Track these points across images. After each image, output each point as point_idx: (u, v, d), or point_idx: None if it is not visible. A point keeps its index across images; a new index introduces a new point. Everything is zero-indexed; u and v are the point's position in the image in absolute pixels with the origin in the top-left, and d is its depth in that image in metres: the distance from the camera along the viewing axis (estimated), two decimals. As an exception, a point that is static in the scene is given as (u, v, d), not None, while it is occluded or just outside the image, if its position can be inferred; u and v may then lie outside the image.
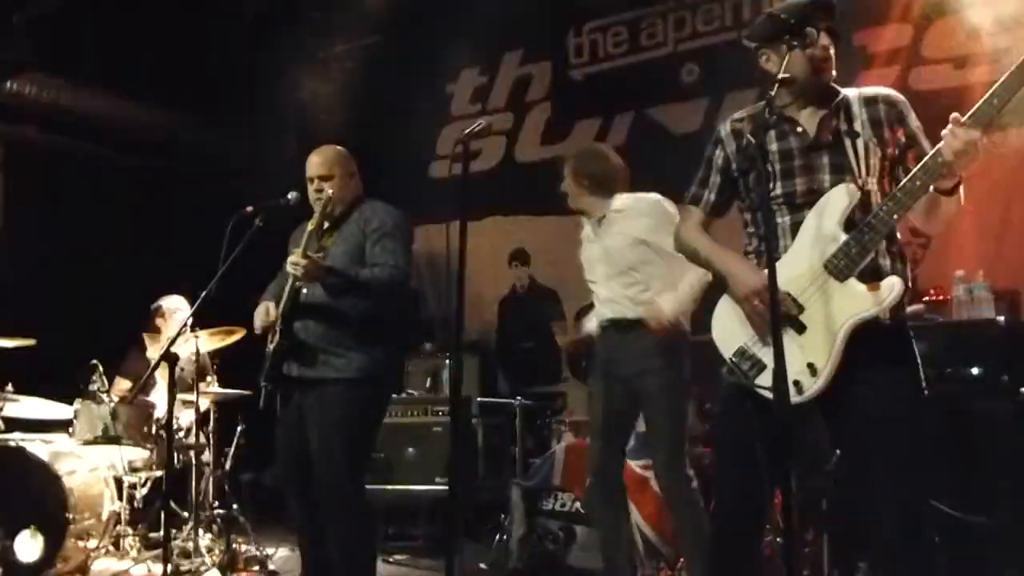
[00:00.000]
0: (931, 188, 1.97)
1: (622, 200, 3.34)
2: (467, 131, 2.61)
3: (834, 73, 2.17)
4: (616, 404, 3.29)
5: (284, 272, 3.12)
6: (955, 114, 1.91)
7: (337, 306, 3.05)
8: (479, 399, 5.31)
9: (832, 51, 2.15)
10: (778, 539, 3.38)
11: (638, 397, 3.24)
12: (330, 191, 3.11)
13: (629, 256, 3.24)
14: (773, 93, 2.06)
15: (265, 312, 3.11)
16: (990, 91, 1.90)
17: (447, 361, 5.30)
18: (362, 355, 3.04)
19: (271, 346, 3.07)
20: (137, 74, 5.74)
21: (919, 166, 1.97)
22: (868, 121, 2.13)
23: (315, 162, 3.19)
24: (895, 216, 1.98)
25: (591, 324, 3.49)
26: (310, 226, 3.05)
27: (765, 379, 2.03)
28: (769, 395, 1.94)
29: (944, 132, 1.91)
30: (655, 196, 3.33)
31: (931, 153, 1.96)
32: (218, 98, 6.10)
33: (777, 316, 1.90)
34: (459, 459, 2.66)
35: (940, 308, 3.83)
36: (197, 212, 5.42)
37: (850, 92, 2.19)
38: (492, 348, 5.89)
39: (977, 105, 1.90)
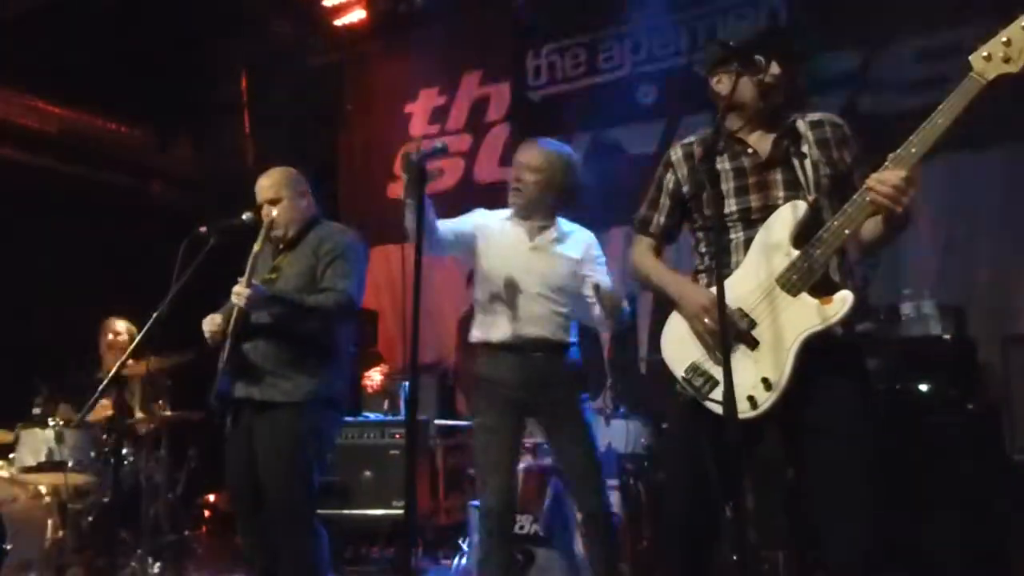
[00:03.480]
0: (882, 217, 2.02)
1: (565, 222, 3.19)
2: (423, 152, 2.61)
3: (782, 100, 2.23)
4: (518, 434, 3.09)
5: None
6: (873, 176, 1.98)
7: (286, 328, 3.03)
8: (437, 421, 5.27)
9: (781, 79, 2.20)
10: (733, 556, 3.39)
11: (551, 425, 3.06)
12: (275, 212, 3.10)
13: (569, 281, 3.07)
14: (721, 117, 2.11)
15: (211, 321, 3.07)
16: (909, 139, 1.97)
17: (404, 382, 5.25)
18: (311, 378, 3.02)
19: (220, 365, 3.01)
20: (92, 87, 5.64)
21: (857, 195, 2.02)
22: (815, 142, 2.19)
23: (263, 186, 3.19)
24: (846, 231, 2.02)
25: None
26: (255, 247, 3.03)
27: (719, 394, 2.03)
28: (721, 410, 1.95)
29: (872, 176, 1.98)
30: (591, 234, 3.24)
31: (860, 190, 2.00)
32: (175, 115, 6.03)
33: (726, 334, 1.92)
34: (416, 482, 2.58)
35: (889, 326, 3.91)
36: (148, 230, 5.33)
37: (797, 117, 2.25)
38: (451, 369, 5.86)
39: (898, 151, 1.97)
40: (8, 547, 3.61)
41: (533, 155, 3.09)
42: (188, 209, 6.42)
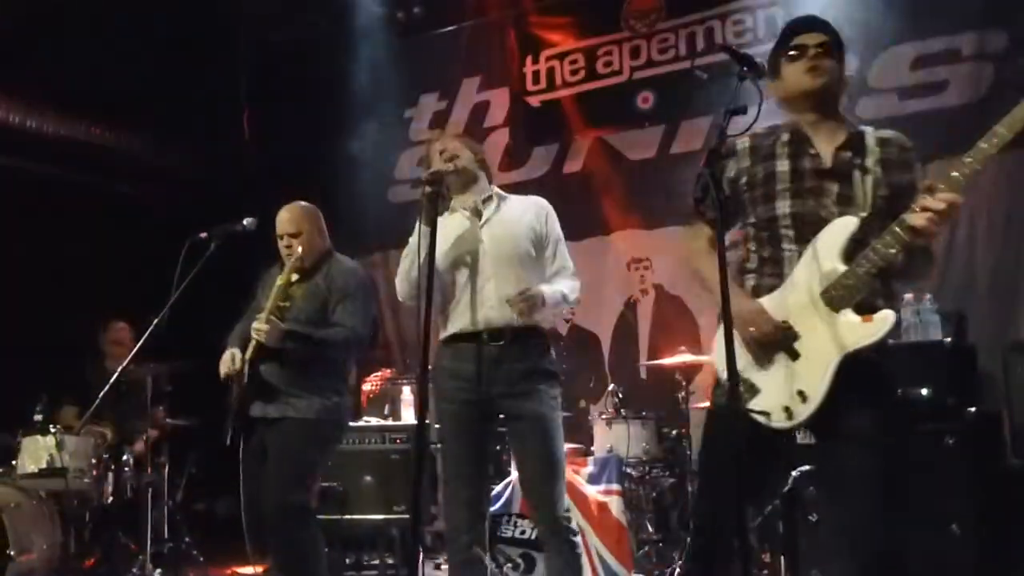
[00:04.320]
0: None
1: (502, 191, 2.93)
2: (434, 171, 2.63)
3: (819, 84, 2.17)
4: (484, 438, 2.77)
5: (251, 312, 3.31)
6: (928, 182, 2.01)
7: (298, 354, 3.21)
8: (437, 425, 5.26)
9: (813, 66, 2.17)
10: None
11: (515, 424, 2.72)
12: (300, 249, 3.24)
13: (524, 245, 2.76)
14: (725, 124, 2.08)
15: (231, 359, 3.22)
16: (964, 159, 1.95)
17: (404, 388, 5.25)
18: (321, 398, 3.22)
19: (237, 389, 3.19)
20: (90, 93, 5.64)
21: (906, 214, 2.01)
22: (880, 160, 2.17)
23: (284, 219, 3.31)
24: (891, 251, 2.03)
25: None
26: (279, 281, 3.18)
27: (758, 403, 2.10)
28: (761, 419, 2.07)
29: (920, 199, 1.98)
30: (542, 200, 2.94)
31: (908, 211, 2.00)
32: (174, 120, 6.03)
33: (729, 327, 1.94)
34: (420, 487, 2.58)
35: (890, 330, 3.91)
36: (148, 235, 5.33)
37: (866, 128, 2.23)
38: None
39: (951, 172, 1.97)
40: (10, 553, 3.60)
41: (447, 137, 2.92)
42: (188, 213, 6.43)
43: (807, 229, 2.15)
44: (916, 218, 1.97)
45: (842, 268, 2.07)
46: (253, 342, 3.16)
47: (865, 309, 2.06)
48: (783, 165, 2.20)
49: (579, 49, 5.95)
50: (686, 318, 5.29)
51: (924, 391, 3.53)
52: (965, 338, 3.95)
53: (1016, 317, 4.35)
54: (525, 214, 2.84)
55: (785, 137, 2.21)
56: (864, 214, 2.11)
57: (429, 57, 6.41)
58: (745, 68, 2.13)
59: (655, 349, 5.26)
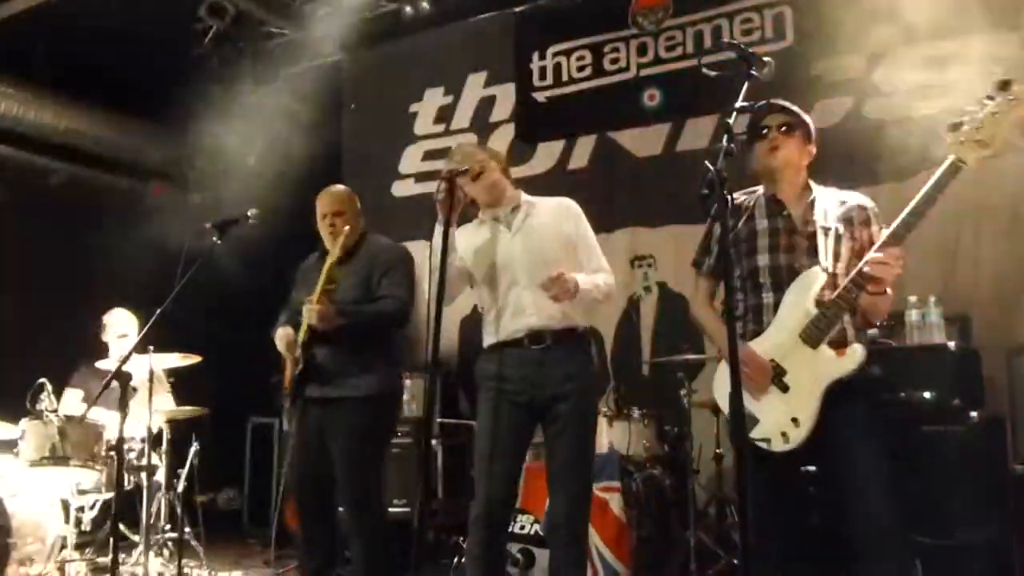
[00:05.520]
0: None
1: (528, 196, 3.03)
2: (450, 170, 2.72)
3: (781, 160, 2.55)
4: (519, 438, 2.86)
5: (291, 302, 3.45)
6: (875, 250, 2.35)
7: (351, 333, 3.30)
8: (439, 420, 5.27)
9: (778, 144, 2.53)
10: (735, 561, 3.40)
11: (552, 425, 2.83)
12: (346, 227, 3.34)
13: (557, 251, 2.86)
14: (732, 120, 2.13)
15: (286, 335, 3.32)
16: (903, 214, 2.30)
17: (407, 382, 5.26)
18: (375, 375, 3.33)
19: (292, 370, 3.30)
20: (91, 83, 5.64)
21: (863, 263, 2.36)
22: (841, 218, 2.52)
23: (328, 199, 3.45)
24: (854, 296, 2.38)
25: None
26: (329, 259, 3.25)
27: (757, 432, 2.43)
28: (763, 445, 2.41)
29: (869, 255, 2.35)
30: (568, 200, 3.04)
31: (862, 262, 2.35)
32: (178, 113, 6.04)
33: (733, 340, 2.05)
34: (425, 481, 2.70)
35: (894, 333, 3.91)
36: (155, 227, 5.34)
37: (827, 192, 2.58)
38: (453, 368, 5.86)
39: (892, 227, 2.33)
40: (11, 542, 3.61)
41: (470, 146, 3.19)
42: (189, 208, 6.45)
43: (783, 279, 2.50)
44: (871, 268, 2.31)
45: (815, 311, 2.41)
46: (305, 326, 3.24)
47: (838, 344, 2.41)
48: (762, 224, 2.56)
49: (586, 46, 5.93)
50: (689, 316, 5.27)
51: (928, 394, 3.53)
52: (970, 341, 3.94)
53: (1021, 321, 4.33)
54: (555, 219, 2.94)
55: (762, 201, 2.59)
56: (828, 265, 2.45)
57: (435, 51, 6.40)
58: (752, 67, 2.17)
59: (657, 347, 5.25)
